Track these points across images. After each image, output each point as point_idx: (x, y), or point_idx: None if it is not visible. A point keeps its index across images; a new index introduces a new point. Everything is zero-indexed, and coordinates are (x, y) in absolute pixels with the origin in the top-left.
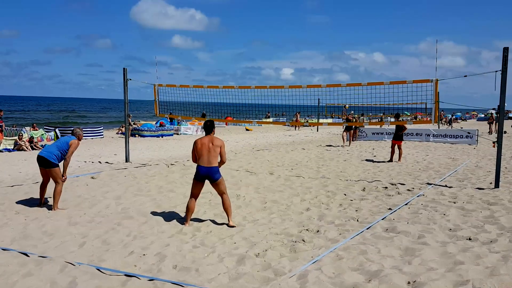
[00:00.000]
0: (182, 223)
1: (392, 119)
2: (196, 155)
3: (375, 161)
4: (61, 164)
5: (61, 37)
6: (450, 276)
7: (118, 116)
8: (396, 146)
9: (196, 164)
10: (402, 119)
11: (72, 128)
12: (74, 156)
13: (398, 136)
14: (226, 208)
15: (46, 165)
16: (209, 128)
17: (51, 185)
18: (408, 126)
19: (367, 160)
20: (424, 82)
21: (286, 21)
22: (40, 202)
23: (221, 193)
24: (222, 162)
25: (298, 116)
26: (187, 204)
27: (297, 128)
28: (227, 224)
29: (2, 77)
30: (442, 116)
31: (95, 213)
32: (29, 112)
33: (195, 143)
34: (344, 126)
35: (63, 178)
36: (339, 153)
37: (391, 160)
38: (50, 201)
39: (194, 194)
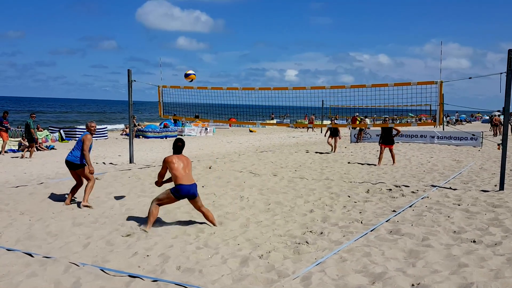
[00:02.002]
0: (184, 224)
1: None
2: (173, 174)
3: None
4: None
5: (66, 39)
6: (454, 279)
7: (124, 118)
8: (387, 150)
9: (177, 184)
10: (406, 121)
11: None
12: None
13: (390, 140)
14: (211, 220)
15: (73, 167)
16: (181, 149)
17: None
18: (412, 128)
19: (369, 163)
20: (429, 84)
21: (290, 23)
22: (67, 200)
23: (200, 208)
24: None
25: (313, 118)
26: (152, 210)
27: (313, 130)
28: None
29: (8, 78)
30: (458, 118)
31: (99, 214)
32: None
33: (170, 162)
34: (329, 131)
35: (91, 169)
36: (342, 154)
37: (379, 164)
38: (78, 200)
39: (162, 204)
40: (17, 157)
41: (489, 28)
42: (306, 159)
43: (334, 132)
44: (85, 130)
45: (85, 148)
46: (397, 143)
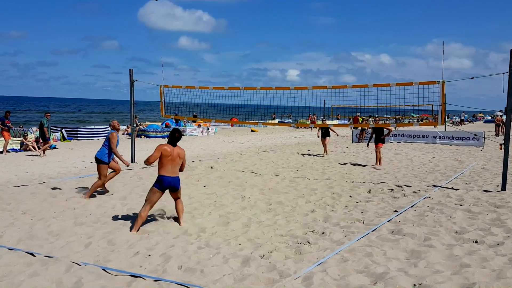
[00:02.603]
0: (188, 224)
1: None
2: (161, 162)
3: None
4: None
5: (68, 39)
6: (456, 279)
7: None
8: (384, 148)
9: (160, 174)
10: (409, 121)
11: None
12: (80, 156)
13: (381, 139)
14: (179, 210)
15: (97, 162)
16: (177, 139)
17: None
18: (414, 128)
19: (371, 164)
20: (431, 84)
21: (292, 23)
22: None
23: (177, 198)
24: (181, 170)
25: (315, 118)
26: (140, 213)
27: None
28: (179, 223)
29: (10, 78)
30: (463, 117)
31: (101, 213)
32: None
33: (163, 149)
34: (320, 132)
35: (125, 163)
36: (344, 154)
37: (379, 165)
38: (111, 190)
39: (152, 203)
40: (35, 155)
41: (492, 28)
42: (308, 159)
43: (326, 133)
44: (111, 129)
45: (112, 146)
46: (399, 143)
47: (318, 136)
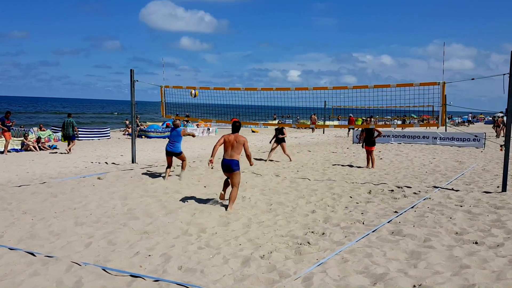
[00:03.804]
0: (185, 224)
1: (399, 122)
2: (223, 147)
3: (381, 164)
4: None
5: (70, 39)
6: (456, 280)
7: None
8: (368, 152)
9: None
10: (409, 122)
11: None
12: (81, 156)
13: (370, 141)
14: (231, 197)
15: (176, 155)
16: (237, 128)
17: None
18: (415, 129)
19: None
20: (431, 85)
21: (294, 23)
22: (166, 175)
23: (233, 185)
24: (247, 155)
25: (316, 118)
26: (224, 182)
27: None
28: (226, 207)
29: (12, 78)
30: (470, 118)
31: (102, 213)
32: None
33: (223, 136)
34: (275, 137)
35: (193, 134)
36: (345, 155)
37: (367, 166)
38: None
39: (227, 181)
40: (56, 152)
41: (493, 29)
42: (308, 160)
43: (279, 138)
44: (177, 128)
45: (190, 132)
46: (399, 143)
47: (270, 142)
